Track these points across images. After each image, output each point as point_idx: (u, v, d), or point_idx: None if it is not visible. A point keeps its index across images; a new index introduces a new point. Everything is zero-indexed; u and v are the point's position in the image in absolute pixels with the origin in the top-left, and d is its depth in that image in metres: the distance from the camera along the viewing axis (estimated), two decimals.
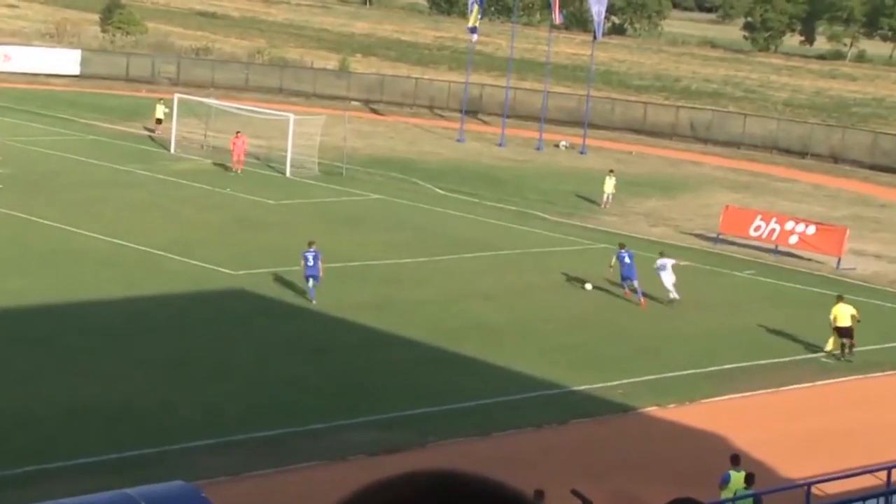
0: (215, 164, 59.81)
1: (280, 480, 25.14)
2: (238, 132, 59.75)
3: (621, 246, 42.01)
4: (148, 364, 31.11)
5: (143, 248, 42.91)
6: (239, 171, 58.63)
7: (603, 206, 57.56)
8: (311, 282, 38.37)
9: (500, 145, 75.19)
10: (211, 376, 30.37)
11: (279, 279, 40.38)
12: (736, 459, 24.14)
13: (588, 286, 42.44)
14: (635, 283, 40.81)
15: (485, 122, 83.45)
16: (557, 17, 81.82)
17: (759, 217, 51.30)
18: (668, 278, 40.97)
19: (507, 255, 46.68)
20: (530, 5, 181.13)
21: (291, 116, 61.69)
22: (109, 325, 34.41)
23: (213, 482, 23.91)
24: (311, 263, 38.30)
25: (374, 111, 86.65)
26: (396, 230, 48.12)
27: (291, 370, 31.67)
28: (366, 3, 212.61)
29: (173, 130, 64.47)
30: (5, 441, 25.81)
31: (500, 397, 30.94)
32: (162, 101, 69.57)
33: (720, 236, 51.57)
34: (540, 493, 20.59)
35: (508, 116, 79.11)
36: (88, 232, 44.49)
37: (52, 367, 30.44)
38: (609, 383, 32.63)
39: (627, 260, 40.82)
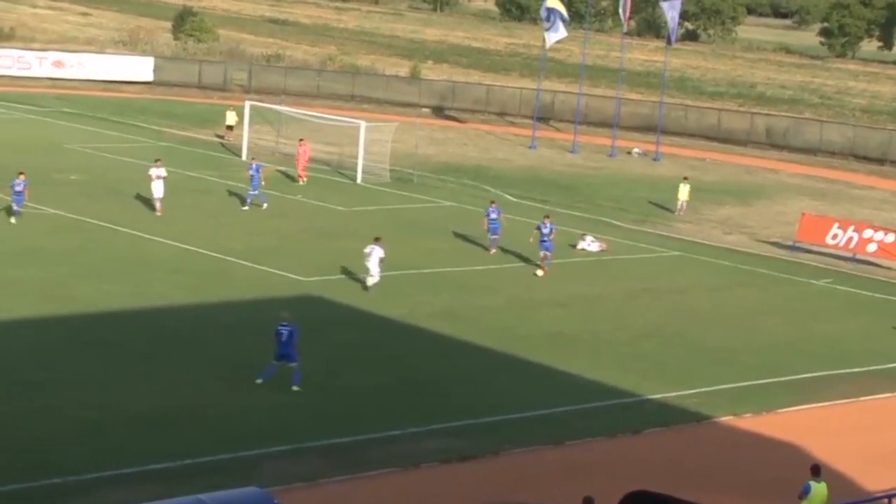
0: (278, 170, 59.52)
1: (353, 487, 24.92)
2: (301, 139, 59.59)
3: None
4: (218, 370, 31.02)
5: (213, 254, 42.93)
6: (302, 182, 58.42)
7: (677, 213, 57.03)
8: (490, 235, 45.76)
9: (572, 152, 74.80)
10: (282, 383, 30.20)
11: (351, 286, 40.21)
12: (816, 470, 23.60)
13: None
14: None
15: (557, 129, 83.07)
16: (626, 24, 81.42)
17: (837, 225, 50.63)
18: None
19: (578, 262, 46.27)
20: (602, 11, 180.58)
21: (363, 123, 61.66)
22: (179, 331, 34.38)
23: (287, 489, 23.73)
24: (493, 217, 45.70)
25: (446, 118, 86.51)
26: (468, 237, 47.84)
27: (363, 377, 31.47)
28: (437, 10, 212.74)
29: (245, 137, 64.61)
30: (76, 447, 25.77)
31: (574, 405, 30.63)
32: (233, 108, 69.80)
33: (797, 244, 50.88)
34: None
35: (581, 123, 78.76)
36: (160, 238, 44.57)
37: (123, 372, 30.44)
38: (684, 392, 32.19)
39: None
